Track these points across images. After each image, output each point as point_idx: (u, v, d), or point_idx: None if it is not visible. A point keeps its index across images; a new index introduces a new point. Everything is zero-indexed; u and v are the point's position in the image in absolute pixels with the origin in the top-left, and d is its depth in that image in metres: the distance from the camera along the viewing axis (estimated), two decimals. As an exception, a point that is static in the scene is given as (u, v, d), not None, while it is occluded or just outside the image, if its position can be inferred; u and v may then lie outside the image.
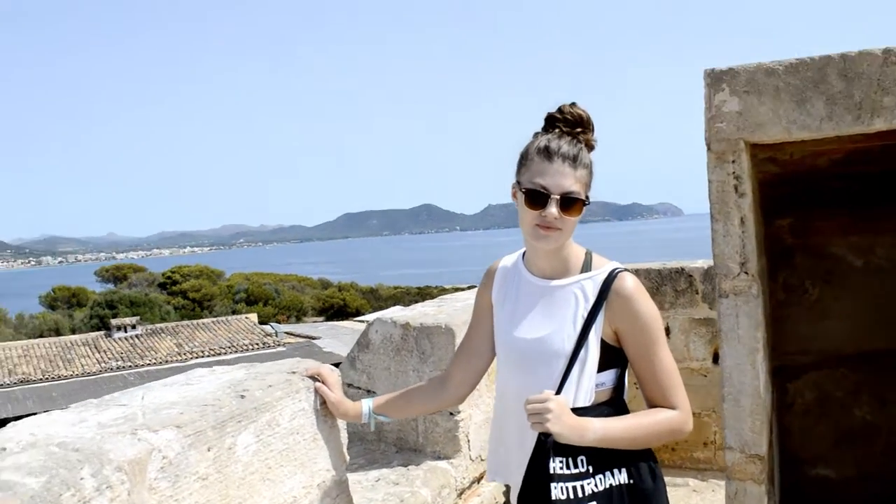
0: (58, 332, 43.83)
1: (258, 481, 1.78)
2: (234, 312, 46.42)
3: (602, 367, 1.84)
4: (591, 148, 1.85)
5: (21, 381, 26.69)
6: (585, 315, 1.82)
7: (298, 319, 52.38)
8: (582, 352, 1.80)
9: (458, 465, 2.93)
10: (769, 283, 3.23)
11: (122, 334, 32.50)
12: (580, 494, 1.71)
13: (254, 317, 37.22)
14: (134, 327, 33.36)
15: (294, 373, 2.01)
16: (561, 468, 1.72)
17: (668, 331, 4.95)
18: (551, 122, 1.84)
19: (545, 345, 1.83)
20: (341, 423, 2.12)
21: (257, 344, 31.55)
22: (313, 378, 2.03)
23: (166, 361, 29.50)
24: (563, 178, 1.77)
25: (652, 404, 1.85)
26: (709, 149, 2.35)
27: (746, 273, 2.34)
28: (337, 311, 53.98)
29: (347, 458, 2.15)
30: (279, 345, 31.62)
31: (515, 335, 1.89)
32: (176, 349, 31.07)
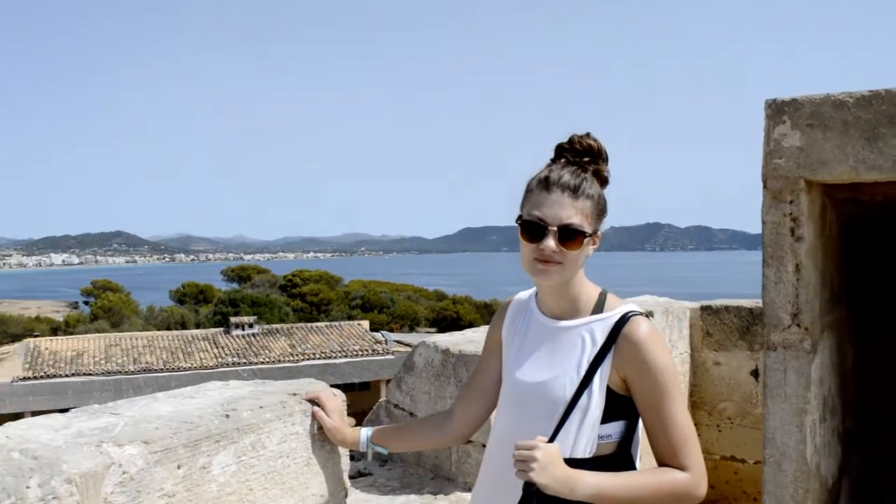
0: (183, 326, 46.17)
1: (235, 502, 1.74)
2: (349, 318, 47.52)
3: (609, 418, 1.69)
4: (602, 180, 1.72)
5: (144, 370, 28.21)
6: (591, 360, 1.68)
7: (412, 329, 53.06)
8: (584, 399, 1.66)
9: (488, 500, 2.82)
10: (849, 335, 2.95)
11: (239, 332, 33.81)
12: None
13: (366, 324, 37.96)
14: (251, 326, 34.66)
15: (295, 395, 1.97)
16: None
17: (756, 373, 4.64)
18: (559, 153, 1.72)
19: (545, 390, 1.70)
20: (343, 451, 2.05)
21: (366, 350, 32.15)
22: (312, 402, 1.97)
23: (279, 361, 30.51)
24: (560, 209, 1.64)
25: (661, 463, 1.68)
26: (764, 186, 2.16)
27: (798, 325, 2.12)
28: (450, 322, 54.25)
29: (348, 485, 2.08)
30: (388, 352, 32.11)
31: (517, 376, 1.77)
32: (289, 350, 32.07)
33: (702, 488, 1.65)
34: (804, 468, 2.12)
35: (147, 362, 29.03)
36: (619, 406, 1.70)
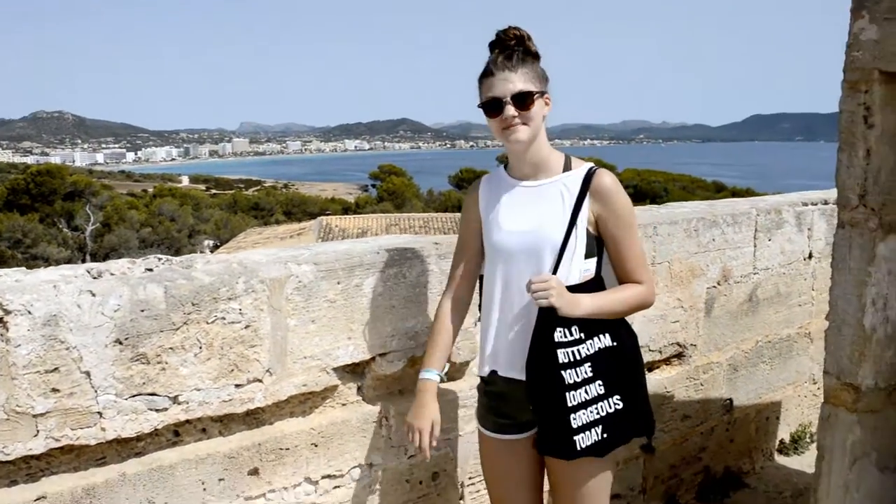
0: (459, 209, 49.02)
1: (383, 312, 2.46)
2: (619, 207, 47.45)
3: (587, 256, 2.14)
4: (533, 55, 2.12)
5: (419, 247, 30.73)
6: (572, 207, 2.12)
7: (681, 221, 51.76)
8: (572, 238, 2.11)
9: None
10: None
11: (506, 216, 35.48)
12: (577, 357, 2.08)
13: (631, 213, 37.85)
14: (517, 211, 36.16)
15: (436, 244, 2.62)
16: (561, 337, 2.07)
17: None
18: (492, 48, 2.13)
19: (539, 234, 2.13)
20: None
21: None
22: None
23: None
24: (507, 84, 2.07)
25: (622, 281, 2.19)
26: (844, 78, 2.38)
27: (864, 206, 2.37)
28: (723, 216, 52.08)
29: (477, 314, 2.73)
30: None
31: (509, 230, 2.18)
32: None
33: (653, 296, 2.20)
34: (861, 333, 2.39)
35: (422, 241, 31.63)
36: (592, 246, 2.16)
